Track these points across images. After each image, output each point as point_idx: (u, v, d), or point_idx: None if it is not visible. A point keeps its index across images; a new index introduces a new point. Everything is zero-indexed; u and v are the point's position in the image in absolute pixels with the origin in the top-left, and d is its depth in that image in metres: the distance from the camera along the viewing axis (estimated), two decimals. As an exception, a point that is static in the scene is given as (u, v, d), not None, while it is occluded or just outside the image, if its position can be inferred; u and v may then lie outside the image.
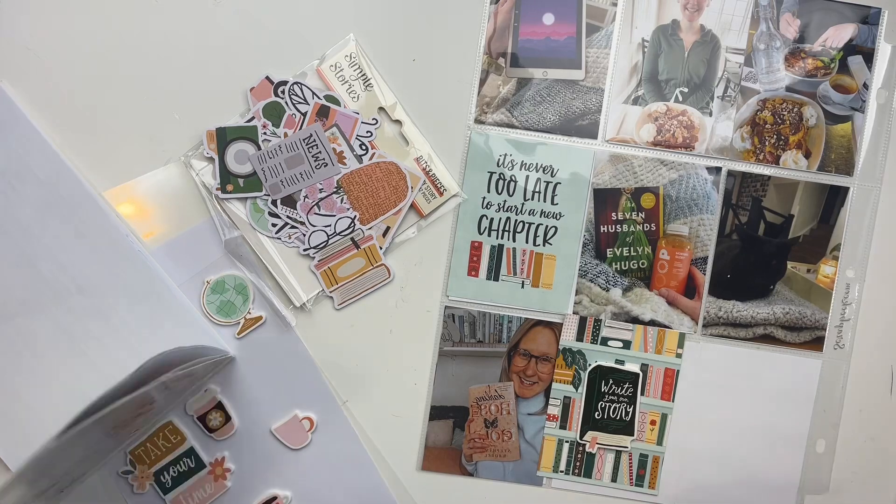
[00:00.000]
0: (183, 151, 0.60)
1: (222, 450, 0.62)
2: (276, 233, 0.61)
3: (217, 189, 0.60)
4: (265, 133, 0.59)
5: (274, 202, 0.60)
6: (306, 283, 0.61)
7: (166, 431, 0.61)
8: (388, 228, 0.61)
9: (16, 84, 0.59)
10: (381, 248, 0.61)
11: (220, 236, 0.60)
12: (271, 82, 0.59)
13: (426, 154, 0.61)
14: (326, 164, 0.60)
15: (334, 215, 0.60)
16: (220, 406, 0.62)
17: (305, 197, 0.60)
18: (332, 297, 0.62)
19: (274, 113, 0.59)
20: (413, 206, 0.61)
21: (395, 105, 0.60)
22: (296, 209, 0.60)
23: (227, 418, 0.62)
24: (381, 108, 0.60)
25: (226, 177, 0.60)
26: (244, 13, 0.60)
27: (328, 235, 0.61)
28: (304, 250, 0.61)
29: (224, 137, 0.59)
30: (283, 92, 0.59)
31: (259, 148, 0.59)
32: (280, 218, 0.60)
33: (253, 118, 0.59)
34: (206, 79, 0.60)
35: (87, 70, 0.60)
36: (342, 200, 0.60)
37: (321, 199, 0.60)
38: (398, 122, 0.61)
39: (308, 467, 0.62)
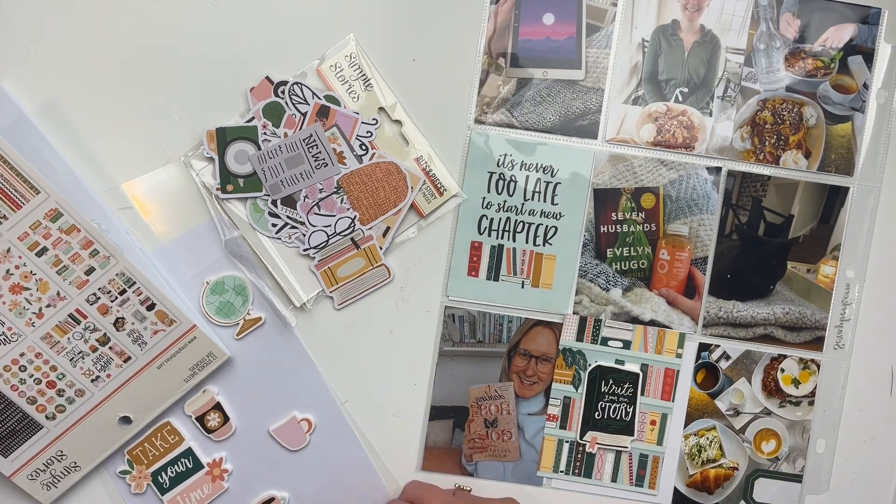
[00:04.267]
0: (183, 151, 0.60)
1: (220, 450, 0.62)
2: (277, 233, 0.61)
3: (217, 189, 0.60)
4: (265, 133, 0.59)
5: (274, 202, 0.60)
6: (306, 283, 0.61)
7: (164, 432, 0.61)
8: (388, 228, 0.61)
9: (16, 84, 0.59)
10: (381, 248, 0.61)
11: (220, 236, 0.60)
12: (271, 82, 0.59)
13: (426, 154, 0.61)
14: (326, 164, 0.60)
15: (334, 215, 0.60)
16: (218, 407, 0.61)
17: (305, 197, 0.60)
18: (332, 297, 0.62)
19: (274, 113, 0.59)
20: (413, 206, 0.61)
21: (395, 105, 0.60)
22: (296, 209, 0.60)
23: (226, 419, 0.62)
24: (381, 109, 0.61)
25: (226, 177, 0.60)
26: (244, 13, 0.60)
27: (328, 235, 0.61)
28: (304, 250, 0.61)
29: (224, 137, 0.59)
30: (283, 92, 0.59)
31: (259, 148, 0.59)
32: (280, 218, 0.60)
33: (253, 118, 0.59)
34: (206, 79, 0.60)
35: (87, 70, 0.60)
36: (342, 200, 0.60)
37: (321, 199, 0.60)
38: (398, 122, 0.61)
39: (307, 468, 0.62)
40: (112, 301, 0.57)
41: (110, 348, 0.58)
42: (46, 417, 0.58)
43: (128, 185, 0.60)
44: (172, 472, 0.62)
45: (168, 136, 0.60)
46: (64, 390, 0.58)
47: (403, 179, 0.60)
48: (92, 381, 0.58)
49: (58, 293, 0.57)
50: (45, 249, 0.56)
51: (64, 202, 0.56)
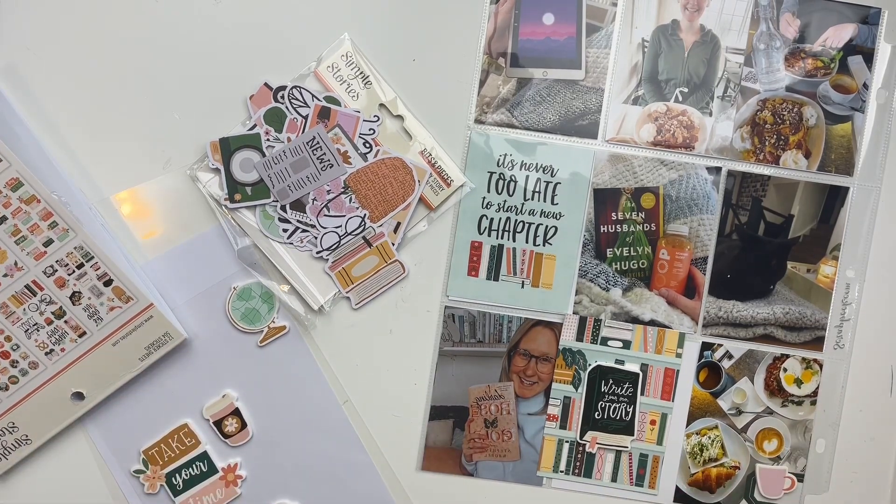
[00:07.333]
0: (186, 161, 0.60)
1: (235, 456, 0.62)
2: (288, 238, 0.60)
3: (225, 199, 0.60)
4: (268, 139, 0.59)
5: (283, 207, 0.60)
6: (322, 286, 0.61)
7: (181, 434, 0.61)
8: (398, 224, 0.61)
9: (15, 85, 0.59)
10: (393, 245, 0.61)
11: (232, 246, 0.60)
12: (270, 88, 0.59)
13: (430, 147, 0.61)
14: (332, 165, 0.60)
15: (344, 215, 0.60)
16: (236, 413, 0.61)
17: (314, 200, 0.60)
18: (348, 298, 0.61)
19: (275, 119, 0.59)
20: (422, 200, 0.61)
21: (396, 100, 0.60)
22: (305, 213, 0.60)
23: (243, 425, 0.62)
24: (382, 105, 0.60)
25: (233, 186, 0.60)
26: (238, 22, 0.60)
27: (340, 236, 0.61)
28: (318, 253, 0.61)
29: (228, 147, 0.59)
30: (282, 97, 0.59)
31: (263, 155, 0.59)
32: (290, 223, 0.60)
33: (255, 126, 0.59)
34: (205, 90, 0.60)
35: (87, 71, 0.60)
36: (351, 200, 0.60)
37: (330, 200, 0.60)
38: (400, 117, 0.61)
39: (315, 476, 0.62)
40: (69, 274, 0.57)
41: (66, 322, 0.58)
42: None
43: (135, 190, 0.60)
44: (187, 475, 0.61)
45: (170, 146, 0.60)
46: (17, 361, 0.58)
47: (410, 174, 0.60)
48: (46, 353, 0.58)
49: (15, 263, 0.57)
50: (3, 218, 0.56)
51: (25, 172, 0.55)
